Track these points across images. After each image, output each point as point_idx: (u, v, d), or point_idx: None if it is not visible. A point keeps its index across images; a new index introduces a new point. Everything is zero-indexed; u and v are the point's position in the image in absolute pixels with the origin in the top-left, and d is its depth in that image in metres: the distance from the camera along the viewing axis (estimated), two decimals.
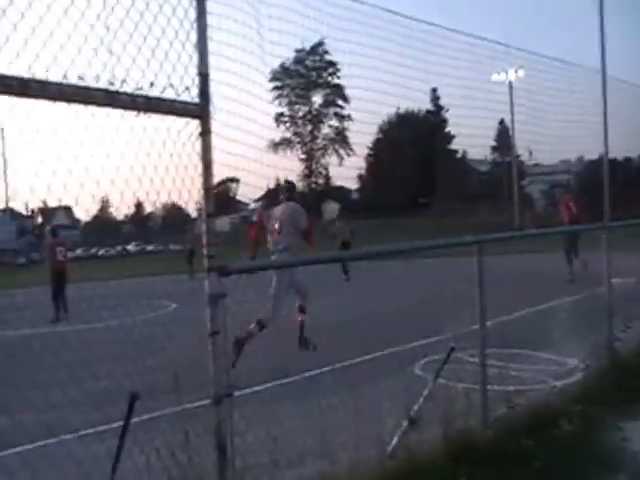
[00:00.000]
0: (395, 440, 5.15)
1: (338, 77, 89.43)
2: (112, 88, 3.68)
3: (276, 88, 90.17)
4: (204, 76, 4.14)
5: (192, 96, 4.13)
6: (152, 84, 3.95)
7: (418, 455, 5.02)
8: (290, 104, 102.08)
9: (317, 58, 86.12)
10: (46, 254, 21.17)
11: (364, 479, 4.64)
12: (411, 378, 7.39)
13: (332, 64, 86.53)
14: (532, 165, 65.81)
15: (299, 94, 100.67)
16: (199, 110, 4.11)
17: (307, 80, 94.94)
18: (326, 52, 78.78)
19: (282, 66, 70.05)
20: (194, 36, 4.13)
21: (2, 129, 3.08)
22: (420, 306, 14.76)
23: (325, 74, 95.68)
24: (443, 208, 75.43)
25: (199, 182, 4.06)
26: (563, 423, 5.70)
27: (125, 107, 3.76)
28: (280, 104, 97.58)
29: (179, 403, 4.21)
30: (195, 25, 4.11)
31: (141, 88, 3.88)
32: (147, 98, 3.85)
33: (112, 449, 3.93)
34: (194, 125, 4.15)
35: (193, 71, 4.16)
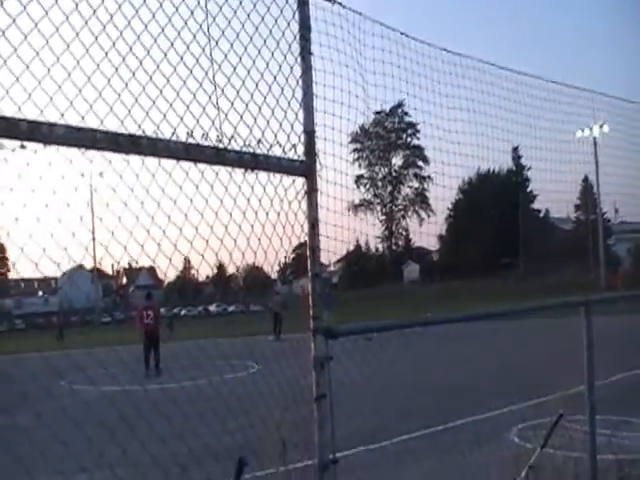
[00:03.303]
0: None
1: (418, 138, 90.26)
2: (221, 146, 3.57)
3: (355, 150, 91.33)
4: (310, 134, 4.03)
5: (298, 154, 4.00)
6: (259, 141, 3.84)
7: None
8: (370, 165, 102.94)
9: (396, 119, 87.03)
10: (137, 316, 22.40)
11: None
12: (508, 444, 7.12)
13: (412, 125, 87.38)
14: (618, 223, 64.44)
15: (379, 155, 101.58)
16: (305, 168, 3.96)
17: (386, 142, 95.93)
18: (406, 113, 79.79)
19: (362, 128, 71.12)
20: (299, 93, 4.02)
21: (94, 188, 2.94)
22: (511, 369, 14.27)
23: (404, 135, 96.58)
24: (526, 268, 74.29)
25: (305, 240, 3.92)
26: None
27: (233, 165, 3.64)
28: (360, 166, 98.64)
29: (283, 464, 3.97)
30: (300, 81, 4.00)
31: (249, 145, 3.77)
32: (254, 155, 3.74)
33: None
34: (300, 183, 4.02)
35: (299, 128, 4.04)
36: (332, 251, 4.30)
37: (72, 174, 2.90)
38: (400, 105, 65.80)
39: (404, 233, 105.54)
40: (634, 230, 66.06)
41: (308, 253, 3.92)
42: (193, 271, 78.62)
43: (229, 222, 3.67)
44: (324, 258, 4.04)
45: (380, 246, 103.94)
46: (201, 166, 3.49)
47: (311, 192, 3.98)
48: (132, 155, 3.16)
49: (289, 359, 4.28)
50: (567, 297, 7.46)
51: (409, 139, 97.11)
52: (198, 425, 5.26)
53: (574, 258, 67.36)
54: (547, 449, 5.58)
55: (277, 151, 3.91)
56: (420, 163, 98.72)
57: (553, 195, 7.13)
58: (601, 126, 11.42)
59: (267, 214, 3.89)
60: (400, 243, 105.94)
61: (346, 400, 4.18)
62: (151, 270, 73.27)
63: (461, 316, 8.56)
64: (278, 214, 3.94)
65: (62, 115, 2.88)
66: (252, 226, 3.81)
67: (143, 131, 3.20)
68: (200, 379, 5.54)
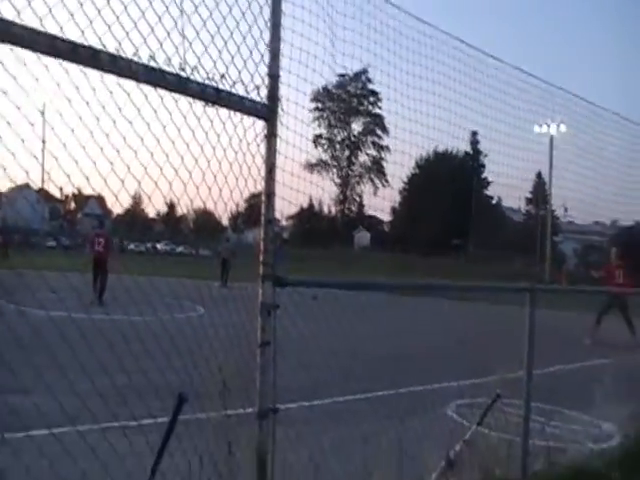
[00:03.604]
0: (433, 478, 5.03)
1: (379, 107, 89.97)
2: (183, 75, 3.47)
3: (316, 109, 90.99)
4: (274, 77, 3.94)
5: (261, 96, 3.92)
6: (223, 76, 3.75)
7: None
8: (330, 127, 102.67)
9: (359, 85, 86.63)
10: (88, 242, 22.81)
11: None
12: (444, 419, 7.24)
13: (374, 93, 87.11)
14: (566, 222, 65.58)
15: (339, 118, 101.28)
16: (267, 111, 3.89)
17: (348, 105, 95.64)
18: (369, 80, 79.36)
19: (324, 87, 70.96)
20: (267, 34, 3.93)
21: (44, 103, 2.82)
22: (449, 348, 14.48)
23: (366, 102, 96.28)
24: (476, 253, 75.25)
25: (261, 185, 3.85)
26: None
27: (194, 96, 3.54)
28: (319, 126, 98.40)
29: (221, 409, 3.93)
30: (269, 23, 3.91)
31: (212, 79, 3.67)
32: (217, 90, 3.64)
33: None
34: (260, 126, 3.95)
35: (263, 70, 3.95)
36: (287, 200, 4.23)
37: (26, 77, 2.77)
38: (365, 71, 65.42)
39: (358, 199, 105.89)
40: (581, 231, 67.36)
41: (263, 198, 3.86)
42: (143, 206, 77.48)
43: (185, 153, 3.58)
44: (276, 213, 3.98)
45: (333, 209, 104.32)
46: (161, 92, 3.39)
47: (271, 136, 3.91)
48: (91, 69, 3.05)
49: (236, 306, 4.23)
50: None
51: (370, 107, 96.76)
52: (142, 360, 5.20)
53: (522, 249, 68.39)
54: (482, 428, 5.71)
55: (240, 90, 3.82)
56: (379, 132, 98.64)
57: (506, 185, 7.23)
58: (559, 125, 11.50)
59: (225, 151, 3.81)
60: (353, 209, 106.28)
61: (289, 355, 4.15)
62: (100, 199, 72.05)
63: (416, 284, 8.72)
64: (236, 153, 3.86)
65: (18, 14, 2.73)
66: (209, 162, 3.72)
67: (104, 46, 3.08)
68: (147, 315, 5.45)
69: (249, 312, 4.22)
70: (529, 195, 67.00)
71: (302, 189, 4.58)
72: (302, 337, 6.20)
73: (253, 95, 3.88)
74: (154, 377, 5.04)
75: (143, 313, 5.43)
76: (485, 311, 20.64)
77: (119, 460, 4.04)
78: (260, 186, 3.91)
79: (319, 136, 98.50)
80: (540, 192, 56.86)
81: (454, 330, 17.79)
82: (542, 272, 55.26)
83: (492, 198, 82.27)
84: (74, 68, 3.01)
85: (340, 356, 10.89)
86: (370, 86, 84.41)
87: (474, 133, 8.30)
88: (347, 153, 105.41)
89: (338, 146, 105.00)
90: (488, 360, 6.33)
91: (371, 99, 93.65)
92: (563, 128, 10.86)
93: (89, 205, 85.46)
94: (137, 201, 68.90)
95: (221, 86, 3.70)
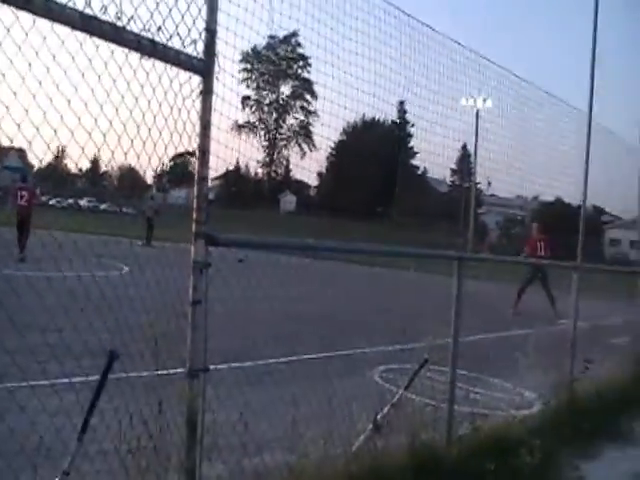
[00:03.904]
0: (360, 441, 5.07)
1: (308, 71, 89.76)
2: (119, 24, 3.36)
3: (245, 70, 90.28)
4: (212, 32, 3.85)
5: (198, 52, 3.83)
6: (160, 28, 3.64)
7: (382, 460, 4.94)
8: (258, 88, 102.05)
9: (289, 48, 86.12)
10: (11, 195, 22.41)
11: (329, 475, 4.49)
12: (370, 383, 7.42)
13: (303, 57, 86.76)
14: (489, 195, 66.88)
15: (267, 80, 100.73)
16: (204, 67, 3.80)
17: (277, 68, 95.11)
18: (298, 44, 78.94)
19: (254, 49, 70.36)
20: None
21: None
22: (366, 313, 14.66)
23: (295, 66, 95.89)
24: (399, 221, 76.05)
25: (195, 142, 3.77)
26: (524, 453, 5.62)
27: (130, 47, 3.43)
28: (248, 87, 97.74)
29: (150, 369, 3.90)
30: None
31: (148, 30, 3.56)
32: (153, 43, 3.54)
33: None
34: (194, 82, 3.86)
35: (201, 25, 3.85)
36: (221, 158, 4.17)
37: None
38: (294, 34, 65.17)
39: (284, 163, 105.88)
40: (503, 205, 68.77)
41: (197, 155, 3.78)
42: (66, 160, 75.58)
43: (119, 106, 3.47)
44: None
45: (259, 171, 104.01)
46: (96, 41, 3.28)
47: (207, 93, 3.82)
48: (23, 12, 2.92)
49: (161, 264, 4.17)
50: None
51: (299, 70, 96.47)
52: (71, 317, 5.11)
53: (446, 220, 69.54)
54: (409, 394, 5.79)
55: (176, 43, 3.73)
56: (308, 97, 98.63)
57: (432, 155, 7.21)
58: (485, 99, 11.60)
59: (160, 106, 3.70)
60: (280, 172, 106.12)
61: (217, 317, 4.13)
62: (21, 152, 70.04)
63: (347, 247, 8.75)
64: (171, 108, 3.75)
65: None
66: (143, 115, 3.61)
67: None
68: (70, 272, 5.33)
69: (176, 271, 4.18)
70: (454, 167, 67.93)
71: (233, 149, 4.54)
72: (230, 299, 6.18)
73: (190, 50, 3.79)
74: (84, 335, 4.97)
75: (65, 270, 5.31)
76: (409, 279, 20.93)
77: (49, 417, 3.97)
78: (195, 143, 3.83)
79: (247, 97, 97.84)
80: (465, 164, 57.83)
81: (378, 296, 18.04)
82: (466, 242, 56.36)
83: (418, 168, 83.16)
84: (5, 10, 2.88)
85: (268, 319, 10.93)
86: (299, 50, 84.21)
87: (401, 102, 8.31)
88: (275, 116, 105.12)
89: (266, 109, 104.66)
90: (413, 327, 6.43)
91: (300, 63, 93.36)
92: (489, 102, 10.97)
93: (9, 157, 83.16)
94: (59, 155, 67.49)
95: (157, 39, 3.59)
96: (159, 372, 3.79)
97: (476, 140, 9.03)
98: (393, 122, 70.33)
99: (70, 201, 75.75)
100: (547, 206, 52.88)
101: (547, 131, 9.55)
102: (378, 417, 5.24)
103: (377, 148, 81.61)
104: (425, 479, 4.88)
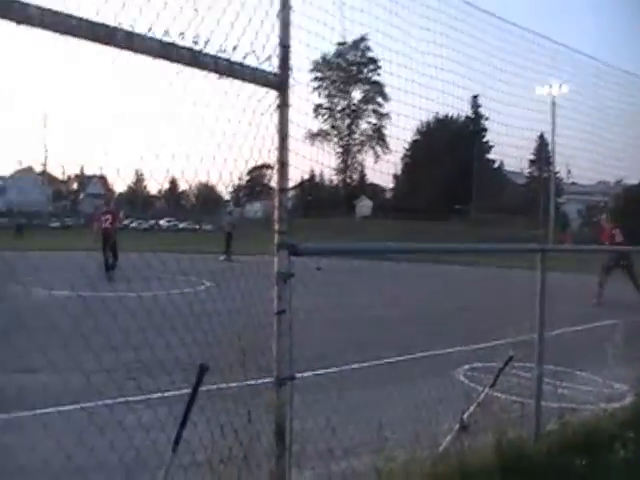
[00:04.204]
0: (447, 441, 5.05)
1: (378, 74, 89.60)
2: (197, 48, 3.48)
3: (316, 79, 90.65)
4: (286, 47, 3.94)
5: (273, 66, 3.93)
6: (235, 48, 3.75)
7: (469, 460, 4.94)
8: (329, 96, 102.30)
9: (358, 53, 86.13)
10: (95, 219, 23.77)
11: (416, 477, 4.52)
12: (455, 383, 7.35)
13: (373, 60, 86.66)
14: (569, 184, 65.39)
15: (338, 87, 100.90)
16: (279, 81, 3.90)
17: (347, 74, 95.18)
18: (368, 48, 78.85)
19: (323, 57, 70.72)
20: (277, 4, 3.93)
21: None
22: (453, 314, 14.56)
23: (365, 70, 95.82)
24: (478, 217, 75.08)
25: (274, 155, 3.87)
26: (618, 448, 5.51)
27: (208, 69, 3.56)
28: (319, 95, 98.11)
29: (238, 380, 4.01)
30: None
31: (224, 51, 3.68)
32: (230, 62, 3.65)
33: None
34: (270, 97, 3.96)
35: (274, 40, 3.95)
36: (299, 168, 4.26)
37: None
38: (363, 39, 65.32)
39: (359, 168, 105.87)
40: (585, 192, 66.92)
41: (277, 167, 3.88)
42: (145, 183, 77.72)
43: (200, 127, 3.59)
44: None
45: (334, 179, 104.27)
46: (176, 67, 3.41)
47: (284, 106, 3.92)
48: (108, 46, 3.06)
49: (244, 277, 4.28)
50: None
51: (370, 74, 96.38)
52: (161, 334, 5.29)
53: (525, 212, 68.25)
54: (494, 392, 5.70)
55: (252, 61, 3.84)
56: (379, 100, 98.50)
57: (509, 146, 7.12)
58: (561, 85, 11.39)
59: (239, 122, 3.81)
60: (354, 177, 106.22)
61: (300, 325, 4.22)
62: (102, 179, 72.08)
63: (425, 248, 8.75)
64: (250, 124, 3.87)
65: None
66: (224, 134, 3.73)
67: (119, 24, 3.09)
68: (157, 290, 5.52)
69: (259, 282, 4.28)
70: (532, 157, 66.69)
71: (309, 158, 4.62)
72: (311, 307, 6.25)
73: (265, 66, 3.90)
74: (175, 351, 5.15)
75: (152, 289, 5.48)
76: (490, 275, 20.70)
77: (144, 431, 4.13)
78: (274, 156, 3.93)
79: (319, 106, 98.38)
80: (543, 154, 56.61)
81: (459, 295, 17.87)
82: (546, 234, 55.27)
83: (494, 162, 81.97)
84: (89, 46, 3.02)
85: (351, 325, 11.00)
86: (369, 54, 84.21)
87: (475, 97, 8.25)
88: (348, 122, 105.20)
89: (338, 115, 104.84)
90: (496, 324, 6.37)
91: (371, 67, 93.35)
92: (565, 89, 10.76)
93: (92, 185, 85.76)
94: (139, 178, 69.24)
95: (233, 58, 3.71)
96: (247, 382, 3.89)
97: (553, 128, 8.88)
98: (467, 117, 69.69)
99: (151, 222, 77.64)
100: (631, 190, 51.24)
101: (628, 111, 9.26)
102: (464, 416, 5.23)
103: (452, 145, 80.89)
104: (513, 477, 4.85)
